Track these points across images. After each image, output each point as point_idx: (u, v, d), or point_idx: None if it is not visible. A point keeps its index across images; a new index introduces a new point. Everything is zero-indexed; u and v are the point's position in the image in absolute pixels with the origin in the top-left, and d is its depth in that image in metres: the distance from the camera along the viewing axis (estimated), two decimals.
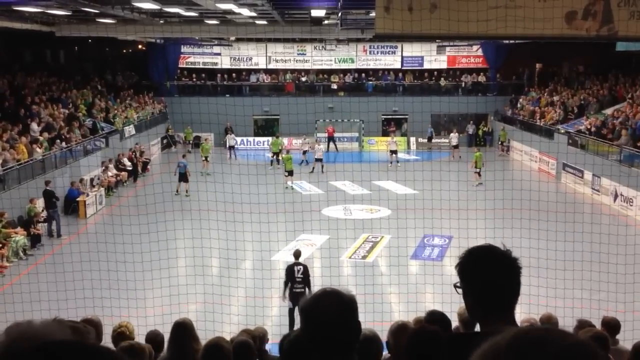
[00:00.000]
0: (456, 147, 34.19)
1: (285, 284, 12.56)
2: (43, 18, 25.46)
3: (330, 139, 36.16)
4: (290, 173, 26.13)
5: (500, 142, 36.18)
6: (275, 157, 30.92)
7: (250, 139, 37.93)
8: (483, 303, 2.37)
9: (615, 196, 23.01)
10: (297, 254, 12.98)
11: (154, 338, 6.25)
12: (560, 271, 11.27)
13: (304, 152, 31.78)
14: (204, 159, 29.17)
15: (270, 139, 33.27)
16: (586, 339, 1.16)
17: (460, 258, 2.42)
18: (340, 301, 2.29)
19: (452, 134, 35.14)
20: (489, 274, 2.34)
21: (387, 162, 31.36)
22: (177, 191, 24.27)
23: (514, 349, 1.12)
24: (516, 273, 2.37)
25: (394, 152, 31.83)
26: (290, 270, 12.52)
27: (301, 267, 12.56)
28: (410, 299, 12.85)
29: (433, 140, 37.84)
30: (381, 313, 11.21)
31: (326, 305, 2.26)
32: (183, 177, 24.89)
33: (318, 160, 29.46)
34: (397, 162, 31.16)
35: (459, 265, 2.42)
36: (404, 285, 13.84)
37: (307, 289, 12.18)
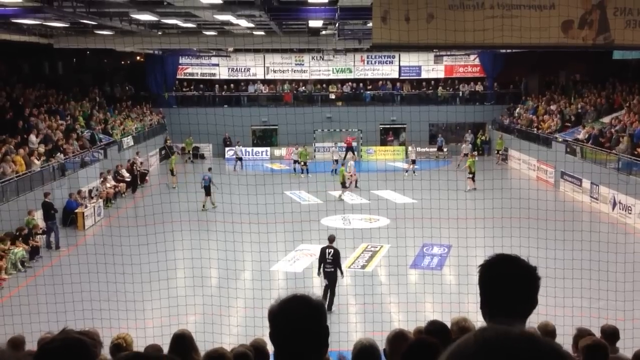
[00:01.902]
0: (466, 155, 34.15)
1: (319, 263, 14.29)
2: (41, 30, 25.54)
3: (349, 148, 35.90)
4: (344, 185, 26.11)
5: (497, 151, 36.22)
6: (304, 166, 31.36)
7: (249, 149, 37.95)
8: (491, 308, 2.42)
9: (614, 204, 23.02)
10: (331, 239, 14.45)
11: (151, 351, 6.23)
12: (560, 279, 11.25)
13: (336, 161, 31.78)
14: (169, 171, 28.82)
15: (300, 148, 32.64)
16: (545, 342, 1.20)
17: (484, 260, 2.49)
18: (308, 306, 2.29)
19: (463, 145, 35.05)
20: (503, 282, 2.40)
21: (410, 171, 31.36)
22: (203, 206, 24.06)
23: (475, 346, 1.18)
24: (533, 289, 2.41)
25: (413, 161, 31.95)
26: (322, 252, 14.24)
27: (332, 250, 14.17)
28: (410, 308, 12.83)
29: (430, 149, 37.91)
30: (381, 323, 11.17)
31: (293, 310, 2.27)
32: (207, 191, 24.59)
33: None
34: (414, 171, 31.10)
35: (480, 266, 2.48)
36: (403, 295, 13.83)
37: (337, 269, 14.05)
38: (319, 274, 14.48)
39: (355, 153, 35.45)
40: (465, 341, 1.19)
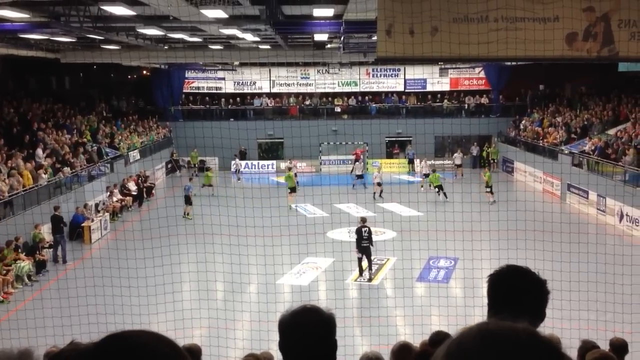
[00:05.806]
0: (459, 166, 34.31)
1: (357, 241, 17.02)
2: (48, 45, 25.74)
3: (357, 161, 35.84)
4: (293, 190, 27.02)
5: (492, 160, 36.31)
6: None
7: (255, 162, 38.05)
8: (498, 317, 2.42)
9: (621, 216, 22.93)
10: (363, 219, 17.37)
11: None
12: (566, 292, 11.19)
13: (360, 177, 31.71)
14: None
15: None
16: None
17: (494, 270, 2.50)
18: (319, 318, 2.31)
19: (455, 154, 35.21)
20: (512, 293, 2.40)
21: (418, 185, 31.27)
22: (184, 214, 24.67)
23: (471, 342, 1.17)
24: (542, 302, 2.42)
25: (426, 175, 31.46)
26: (359, 231, 17.04)
27: (367, 228, 17.04)
28: (416, 321, 12.76)
29: (436, 161, 37.87)
30: (387, 336, 11.15)
31: (304, 322, 2.29)
32: (187, 200, 25.44)
33: (379, 184, 29.12)
34: (422, 186, 30.99)
35: (490, 276, 2.49)
36: (409, 308, 13.78)
37: (370, 245, 17.09)
38: (357, 250, 17.23)
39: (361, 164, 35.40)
40: (467, 333, 1.19)
